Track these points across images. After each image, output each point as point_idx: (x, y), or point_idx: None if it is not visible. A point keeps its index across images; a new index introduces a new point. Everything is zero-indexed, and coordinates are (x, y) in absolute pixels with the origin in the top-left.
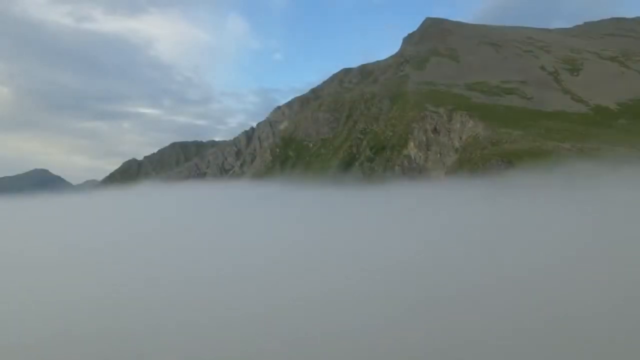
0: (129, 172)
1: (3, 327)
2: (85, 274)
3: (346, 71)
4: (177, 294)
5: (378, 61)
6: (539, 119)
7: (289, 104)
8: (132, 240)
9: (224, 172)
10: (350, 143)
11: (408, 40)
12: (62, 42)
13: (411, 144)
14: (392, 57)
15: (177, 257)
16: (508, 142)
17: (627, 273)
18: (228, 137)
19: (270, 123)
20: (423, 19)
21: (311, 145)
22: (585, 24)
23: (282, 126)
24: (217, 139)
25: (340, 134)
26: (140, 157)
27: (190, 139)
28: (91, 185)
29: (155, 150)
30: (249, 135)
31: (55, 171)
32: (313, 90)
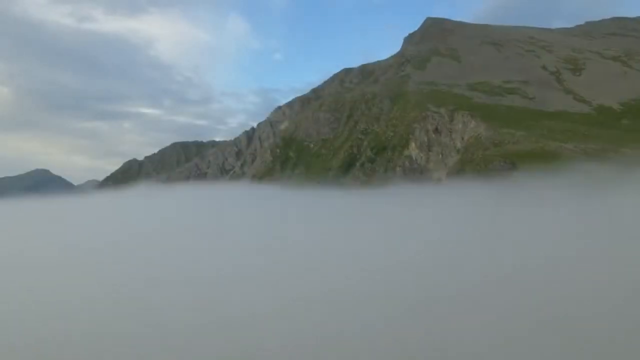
0: (130, 172)
1: (4, 328)
2: (86, 274)
3: (347, 71)
4: (177, 294)
5: (379, 61)
6: (541, 119)
7: (290, 104)
8: (132, 241)
9: (224, 172)
10: (351, 143)
11: (409, 40)
12: (62, 42)
13: (412, 145)
14: (393, 57)
15: (177, 258)
16: (510, 142)
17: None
18: (228, 137)
19: (270, 123)
20: (423, 18)
21: (312, 145)
22: (587, 23)
23: (282, 126)
24: (217, 139)
25: (341, 134)
26: (140, 157)
27: (190, 139)
28: (92, 185)
29: (156, 151)
30: (250, 135)
31: (56, 171)
32: (314, 90)
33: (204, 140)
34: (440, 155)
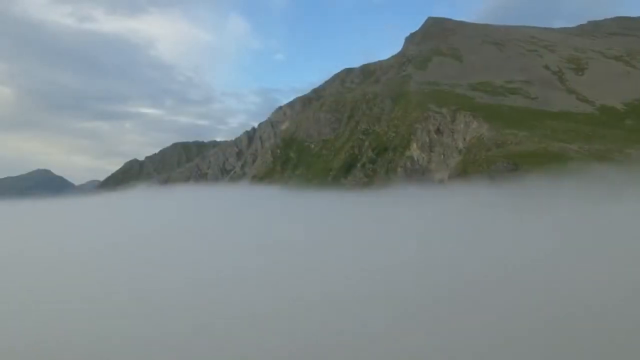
0: (131, 173)
1: (5, 329)
2: (85, 276)
3: (348, 71)
4: (177, 295)
5: (380, 61)
6: (544, 119)
7: (291, 104)
8: (130, 243)
9: (225, 172)
10: (352, 144)
11: (410, 39)
12: (63, 42)
13: (414, 145)
14: (394, 56)
15: (177, 260)
16: (513, 143)
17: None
18: (229, 137)
19: (271, 123)
20: (424, 18)
21: (312, 146)
22: (589, 23)
23: (283, 126)
24: (218, 139)
25: (342, 134)
26: (141, 158)
27: (191, 139)
28: (93, 185)
29: (157, 151)
30: (250, 135)
31: (57, 171)
32: (314, 91)
33: (205, 141)
34: (442, 156)
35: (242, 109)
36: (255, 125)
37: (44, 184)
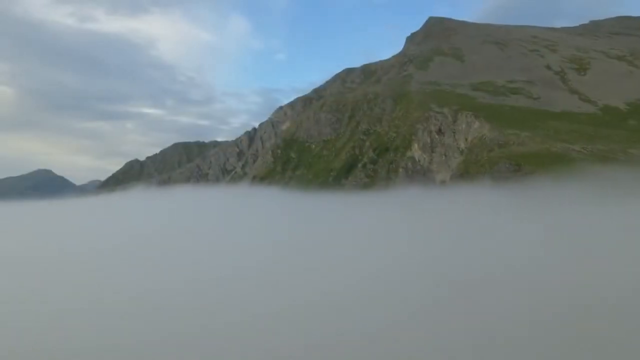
0: (131, 173)
1: (8, 330)
2: (86, 278)
3: (349, 71)
4: (178, 296)
5: (381, 61)
6: (547, 119)
7: (292, 104)
8: (134, 244)
9: (225, 173)
10: (352, 144)
11: (411, 39)
12: (64, 43)
13: (415, 146)
14: (395, 56)
15: (177, 261)
16: (515, 143)
17: None
18: (230, 138)
19: (272, 123)
20: (424, 18)
21: (313, 146)
22: (591, 22)
23: (284, 127)
24: (219, 139)
25: (343, 135)
26: (142, 158)
27: (193, 139)
28: (94, 185)
29: (158, 151)
30: (251, 135)
31: (58, 171)
32: (315, 90)
33: (206, 141)
34: (444, 157)
35: (243, 109)
36: (256, 125)
37: (45, 184)
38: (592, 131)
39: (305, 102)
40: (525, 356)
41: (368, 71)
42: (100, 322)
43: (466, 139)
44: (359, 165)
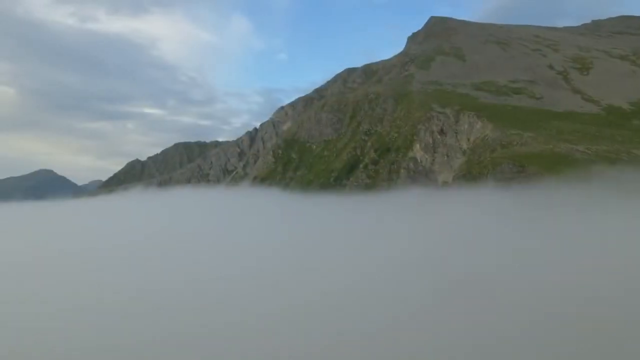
0: (133, 173)
1: (8, 330)
2: (87, 277)
3: (350, 71)
4: (178, 296)
5: (382, 60)
6: (550, 119)
7: (293, 104)
8: (134, 244)
9: (226, 173)
10: (354, 145)
11: (413, 39)
12: (65, 43)
13: (417, 146)
14: (396, 56)
15: (177, 261)
16: (518, 144)
17: None
18: (232, 138)
19: (273, 124)
20: (426, 18)
21: (314, 146)
22: (593, 22)
23: (285, 127)
24: (221, 139)
25: (344, 135)
26: (144, 158)
27: (194, 139)
28: (96, 185)
29: (159, 151)
30: (252, 136)
31: (60, 172)
32: (317, 90)
33: (207, 141)
34: (446, 157)
35: (244, 109)
36: (258, 125)
37: (47, 184)
38: (595, 131)
39: (307, 102)
40: (525, 356)
41: (369, 71)
42: (100, 322)
43: (468, 140)
44: (360, 165)
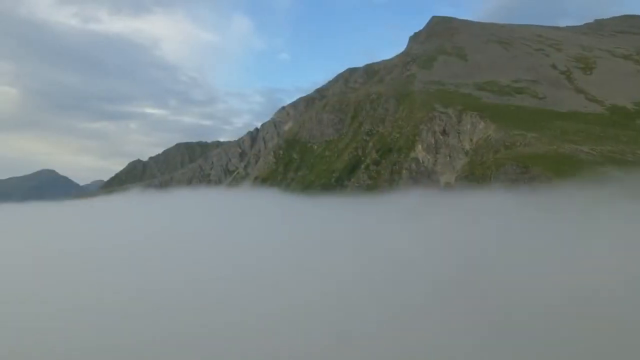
0: (134, 173)
1: (8, 330)
2: (87, 278)
3: (351, 71)
4: (178, 296)
5: (384, 60)
6: (553, 119)
7: (294, 104)
8: (134, 245)
9: (228, 173)
10: (355, 145)
11: (414, 38)
12: (67, 43)
13: (419, 147)
14: (398, 56)
15: (178, 261)
16: (522, 144)
17: None
18: (233, 138)
19: (274, 124)
20: (427, 18)
21: (315, 147)
22: (596, 21)
23: (286, 127)
24: (222, 139)
25: (345, 135)
26: (145, 158)
27: (195, 139)
28: (97, 185)
29: (161, 151)
30: (254, 136)
31: (62, 171)
32: (318, 90)
33: (209, 141)
34: (448, 158)
35: (246, 109)
36: (259, 125)
37: (49, 184)
38: (599, 131)
39: (308, 102)
40: (525, 356)
41: (371, 71)
42: (100, 322)
43: (471, 140)
44: (362, 166)
